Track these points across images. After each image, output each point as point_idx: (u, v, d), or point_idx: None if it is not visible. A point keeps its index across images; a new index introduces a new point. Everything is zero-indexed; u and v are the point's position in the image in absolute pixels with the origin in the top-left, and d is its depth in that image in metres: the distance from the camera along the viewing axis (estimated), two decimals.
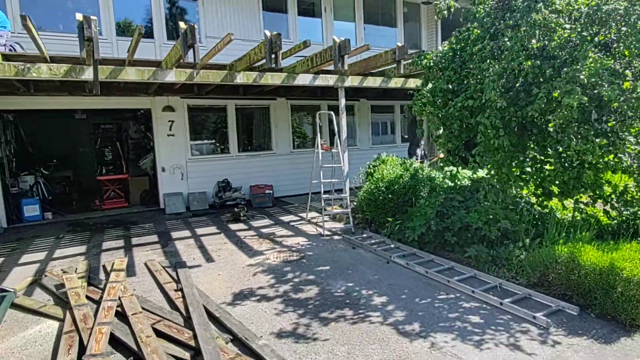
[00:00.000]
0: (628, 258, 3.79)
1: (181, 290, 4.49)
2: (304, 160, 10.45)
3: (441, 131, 5.68)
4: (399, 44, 6.91)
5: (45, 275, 5.09)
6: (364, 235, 6.78)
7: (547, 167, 4.93)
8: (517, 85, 4.61)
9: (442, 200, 5.88)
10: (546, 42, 4.35)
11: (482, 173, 6.06)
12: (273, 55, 5.76)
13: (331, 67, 6.85)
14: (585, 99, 3.95)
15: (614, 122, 4.23)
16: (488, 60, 4.80)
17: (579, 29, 4.34)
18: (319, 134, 7.84)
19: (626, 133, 4.19)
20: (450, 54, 5.67)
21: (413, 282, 4.73)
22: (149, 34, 8.75)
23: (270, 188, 10.01)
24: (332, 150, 8.00)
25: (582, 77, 3.92)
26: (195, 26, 5.14)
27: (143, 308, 4.01)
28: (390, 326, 3.71)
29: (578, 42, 4.27)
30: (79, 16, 4.57)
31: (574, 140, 4.18)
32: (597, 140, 4.13)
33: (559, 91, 4.05)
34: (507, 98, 4.51)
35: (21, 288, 4.76)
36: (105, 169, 10.21)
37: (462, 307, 4.06)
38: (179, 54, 5.47)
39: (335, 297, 4.37)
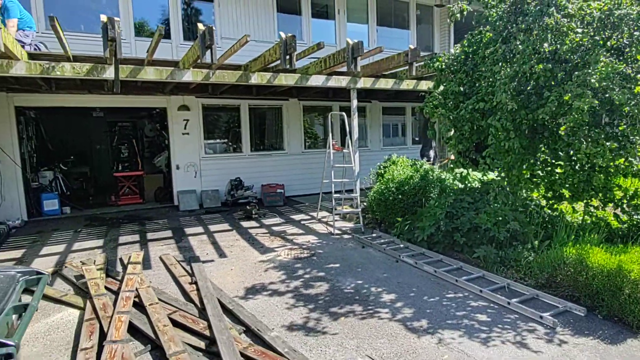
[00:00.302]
0: (636, 260, 3.82)
1: (195, 283, 4.63)
2: (315, 161, 10.59)
3: (452, 133, 5.75)
4: (412, 47, 6.96)
5: (65, 267, 5.29)
6: (374, 234, 6.86)
7: (558, 170, 4.97)
8: (529, 88, 4.66)
9: (452, 202, 5.94)
10: (558, 46, 4.39)
11: (492, 175, 6.10)
12: (288, 57, 5.88)
13: (344, 69, 6.92)
14: (596, 102, 3.99)
15: (624, 126, 4.26)
16: (500, 63, 4.86)
17: (591, 33, 4.38)
18: (330, 134, 7.95)
19: (637, 137, 4.22)
20: (462, 56, 5.73)
21: (421, 281, 4.81)
22: (166, 34, 8.96)
23: (281, 187, 10.16)
24: (344, 150, 8.10)
25: (593, 80, 3.97)
26: (213, 28, 5.28)
27: (159, 299, 4.16)
28: (399, 322, 3.80)
29: (590, 46, 4.31)
30: (104, 17, 4.76)
31: (585, 143, 4.23)
32: (607, 143, 4.17)
33: (570, 94, 4.10)
34: (518, 101, 4.56)
35: None
36: (121, 166, 10.50)
37: (470, 306, 4.12)
38: (196, 55, 5.63)
39: (344, 294, 4.47)
